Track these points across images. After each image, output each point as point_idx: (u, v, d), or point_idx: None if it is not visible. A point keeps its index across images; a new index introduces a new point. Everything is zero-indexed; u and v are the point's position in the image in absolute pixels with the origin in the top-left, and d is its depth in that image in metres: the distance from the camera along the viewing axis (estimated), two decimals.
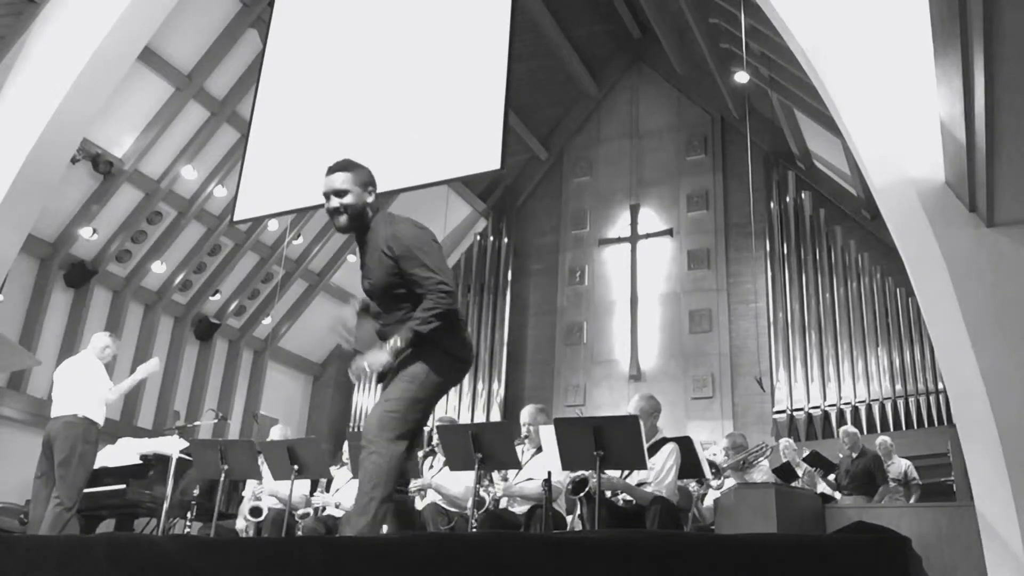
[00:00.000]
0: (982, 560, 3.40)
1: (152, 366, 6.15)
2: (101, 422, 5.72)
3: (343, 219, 3.01)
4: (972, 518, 3.53)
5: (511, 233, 13.69)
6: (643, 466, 4.23)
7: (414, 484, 5.41)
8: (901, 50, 3.93)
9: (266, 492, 6.35)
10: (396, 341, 2.88)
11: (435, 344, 2.93)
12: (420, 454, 5.55)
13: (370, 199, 3.04)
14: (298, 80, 6.67)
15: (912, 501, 7.48)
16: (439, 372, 2.95)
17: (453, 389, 12.81)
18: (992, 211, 3.47)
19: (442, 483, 5.27)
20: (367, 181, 3.05)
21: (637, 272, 12.51)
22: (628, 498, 4.58)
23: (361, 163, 3.11)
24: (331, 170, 3.05)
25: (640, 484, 4.55)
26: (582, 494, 4.49)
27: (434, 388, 2.97)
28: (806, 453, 7.62)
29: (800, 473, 6.88)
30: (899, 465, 7.86)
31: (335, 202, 3.00)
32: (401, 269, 2.92)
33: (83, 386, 5.70)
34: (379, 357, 2.90)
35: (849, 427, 8.20)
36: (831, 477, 7.46)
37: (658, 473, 4.51)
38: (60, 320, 10.21)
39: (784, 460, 7.02)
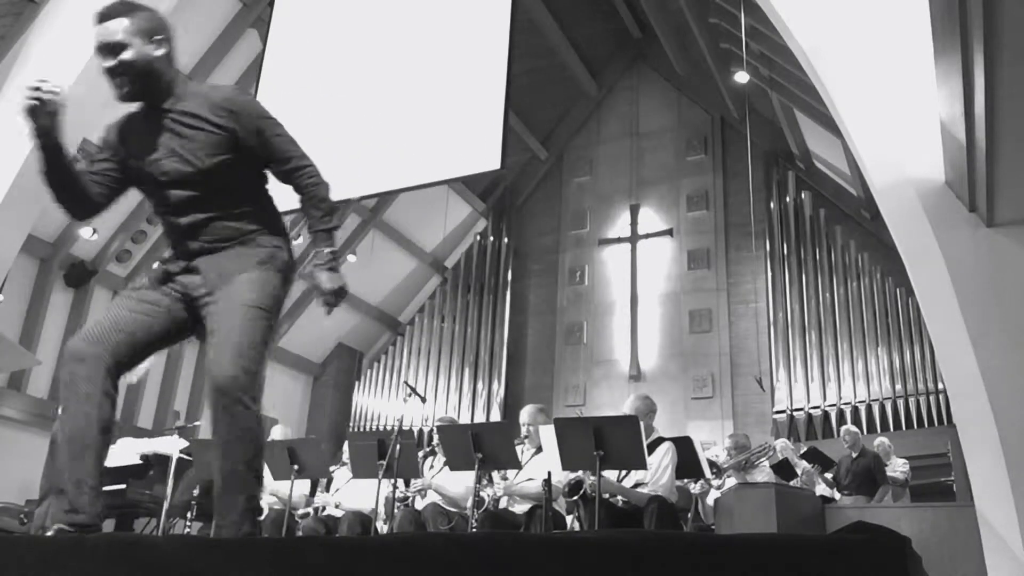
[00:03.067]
0: (982, 560, 3.40)
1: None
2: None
3: (126, 84, 2.27)
4: (972, 518, 3.53)
5: (511, 233, 13.69)
6: (643, 466, 4.24)
7: (414, 484, 5.42)
8: (901, 50, 3.94)
9: (266, 492, 6.35)
10: (324, 248, 2.32)
11: (274, 253, 2.34)
12: (420, 454, 5.55)
13: (158, 52, 2.30)
14: (298, 80, 6.67)
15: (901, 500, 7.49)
16: (283, 287, 2.34)
17: (453, 388, 12.86)
18: (992, 211, 3.47)
19: (442, 483, 5.27)
20: (152, 28, 2.30)
21: (637, 272, 12.51)
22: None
23: (143, 5, 2.35)
24: (101, 17, 2.26)
25: (637, 484, 4.55)
26: (577, 496, 4.50)
27: (279, 310, 2.32)
28: (803, 451, 7.62)
29: (799, 472, 6.88)
30: (895, 464, 7.87)
31: (111, 61, 2.25)
32: (241, 145, 2.29)
33: None
34: (334, 279, 2.32)
35: (851, 426, 8.19)
36: (828, 475, 7.46)
37: (654, 472, 4.51)
38: (60, 320, 10.21)
39: (782, 458, 7.01)
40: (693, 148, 12.86)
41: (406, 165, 5.87)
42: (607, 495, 4.56)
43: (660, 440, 4.72)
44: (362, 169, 6.06)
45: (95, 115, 6.42)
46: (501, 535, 2.78)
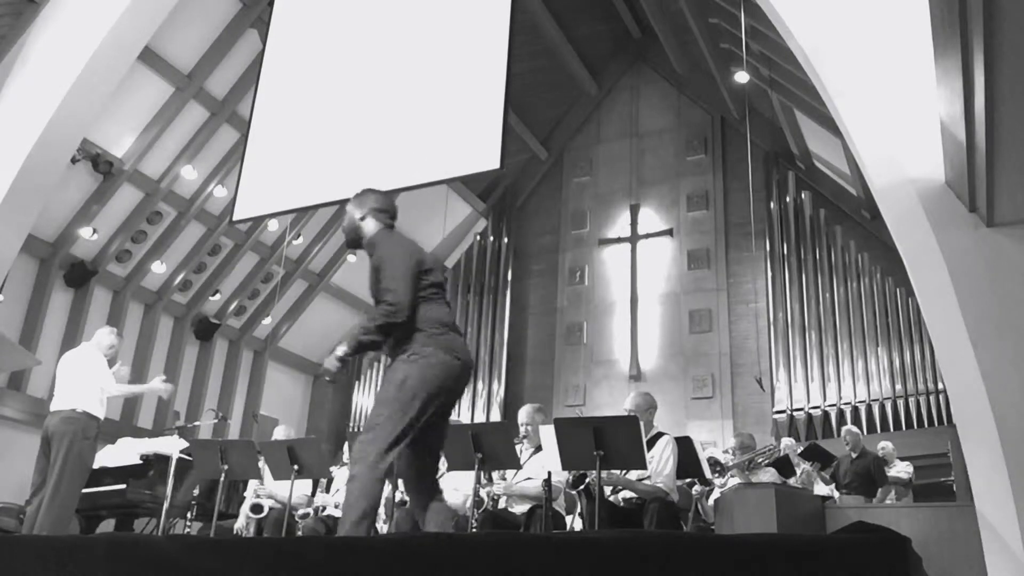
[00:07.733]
0: (982, 560, 3.40)
1: (166, 388, 6.04)
2: (102, 416, 5.53)
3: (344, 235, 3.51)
4: (972, 518, 3.53)
5: (511, 233, 13.69)
6: (643, 466, 4.24)
7: None
8: (901, 50, 3.94)
9: (265, 494, 6.30)
10: (343, 346, 3.13)
11: (410, 351, 3.12)
12: None
13: (360, 221, 3.40)
14: (298, 80, 6.67)
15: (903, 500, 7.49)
16: (418, 378, 3.08)
17: None
18: (992, 211, 3.47)
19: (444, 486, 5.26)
20: (361, 205, 3.42)
21: (637, 272, 12.51)
22: (628, 495, 4.58)
23: (370, 190, 3.49)
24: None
25: (639, 479, 4.56)
26: (581, 487, 4.50)
27: (414, 395, 3.06)
28: (800, 449, 7.62)
29: (798, 472, 6.88)
30: (899, 466, 7.87)
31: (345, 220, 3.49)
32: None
33: (83, 380, 5.50)
34: (330, 359, 3.16)
35: (851, 427, 8.20)
36: (826, 473, 7.45)
37: (657, 462, 4.51)
38: (60, 320, 10.21)
39: (783, 454, 7.02)
40: (693, 148, 12.86)
41: (406, 165, 5.86)
42: (609, 491, 4.56)
43: (660, 435, 4.73)
44: (362, 169, 6.05)
45: (95, 115, 6.44)
46: (501, 535, 2.78)
